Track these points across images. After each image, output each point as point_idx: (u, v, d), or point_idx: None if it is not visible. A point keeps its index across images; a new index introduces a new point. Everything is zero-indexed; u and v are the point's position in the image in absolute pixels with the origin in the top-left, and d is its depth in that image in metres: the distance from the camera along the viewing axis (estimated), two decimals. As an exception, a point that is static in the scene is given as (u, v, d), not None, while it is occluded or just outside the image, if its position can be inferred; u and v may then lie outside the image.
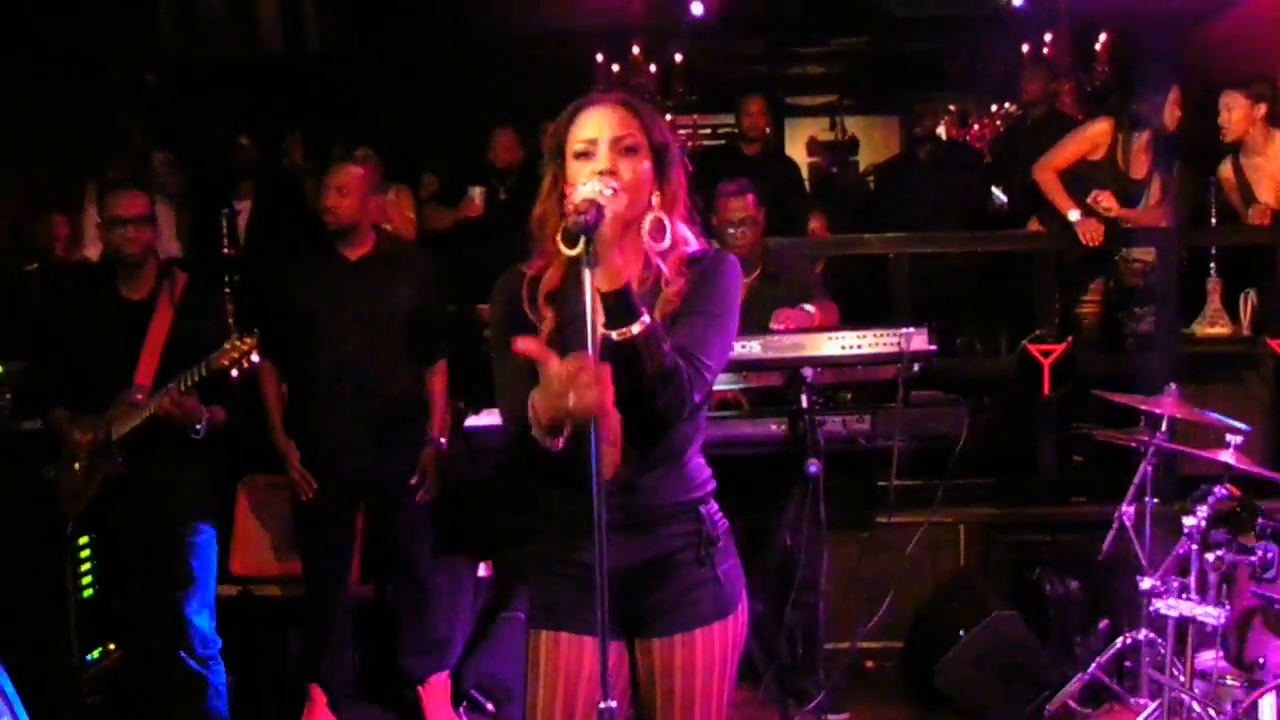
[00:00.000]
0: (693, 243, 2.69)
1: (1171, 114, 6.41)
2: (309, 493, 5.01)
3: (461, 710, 5.23)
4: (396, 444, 5.06)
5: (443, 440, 5.14)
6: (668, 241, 2.56)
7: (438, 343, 5.17)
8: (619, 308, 2.41)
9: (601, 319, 2.42)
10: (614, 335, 2.41)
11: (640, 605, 2.70)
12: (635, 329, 2.41)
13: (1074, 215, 6.38)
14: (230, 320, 5.61)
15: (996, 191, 7.86)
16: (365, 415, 4.98)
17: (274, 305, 5.17)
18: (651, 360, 2.45)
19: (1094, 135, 6.52)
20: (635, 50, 10.31)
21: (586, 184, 2.45)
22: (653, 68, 10.55)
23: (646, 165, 2.61)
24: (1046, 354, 6.05)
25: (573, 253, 2.40)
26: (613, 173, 2.53)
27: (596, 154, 2.58)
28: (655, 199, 2.60)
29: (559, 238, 2.44)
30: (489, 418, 4.80)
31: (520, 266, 2.72)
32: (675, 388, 2.51)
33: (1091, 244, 6.36)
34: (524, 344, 2.42)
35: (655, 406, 2.51)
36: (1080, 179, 6.49)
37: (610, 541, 2.40)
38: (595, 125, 2.60)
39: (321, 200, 5.02)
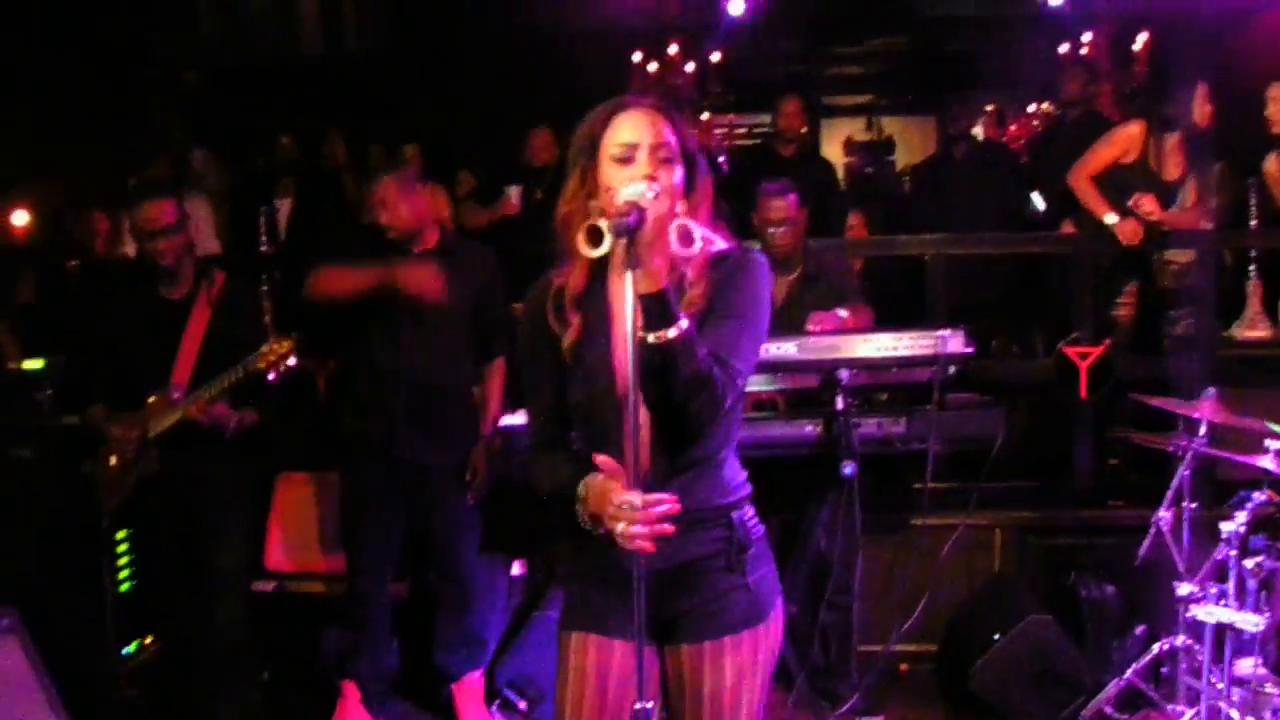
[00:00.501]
0: (718, 242, 2.65)
1: (1201, 110, 6.32)
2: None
3: (494, 709, 5.22)
4: (448, 438, 5.05)
5: (492, 437, 5.13)
6: (696, 248, 2.52)
7: (496, 340, 5.15)
8: (657, 310, 2.39)
9: (639, 321, 2.40)
10: (650, 338, 2.40)
11: (670, 611, 2.68)
12: (672, 333, 2.40)
13: (1111, 219, 6.32)
14: (268, 319, 5.61)
15: (1036, 198, 7.81)
16: (418, 407, 4.99)
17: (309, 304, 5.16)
18: (687, 365, 2.44)
19: (1125, 138, 6.45)
20: (673, 49, 10.31)
21: (629, 185, 2.45)
22: (690, 67, 10.56)
23: (680, 175, 2.60)
24: (1083, 357, 6.00)
25: (596, 253, 2.40)
26: (653, 179, 2.52)
27: (636, 159, 2.57)
28: (681, 206, 2.57)
29: (582, 238, 2.42)
30: (523, 417, 4.80)
31: (550, 275, 2.71)
32: (709, 393, 2.49)
33: (1131, 244, 6.30)
34: (602, 463, 2.51)
35: (688, 411, 2.50)
36: (1114, 183, 6.42)
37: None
38: (635, 130, 2.58)
39: (373, 217, 5.00)
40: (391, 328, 4.98)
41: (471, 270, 5.07)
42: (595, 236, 2.40)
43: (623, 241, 2.35)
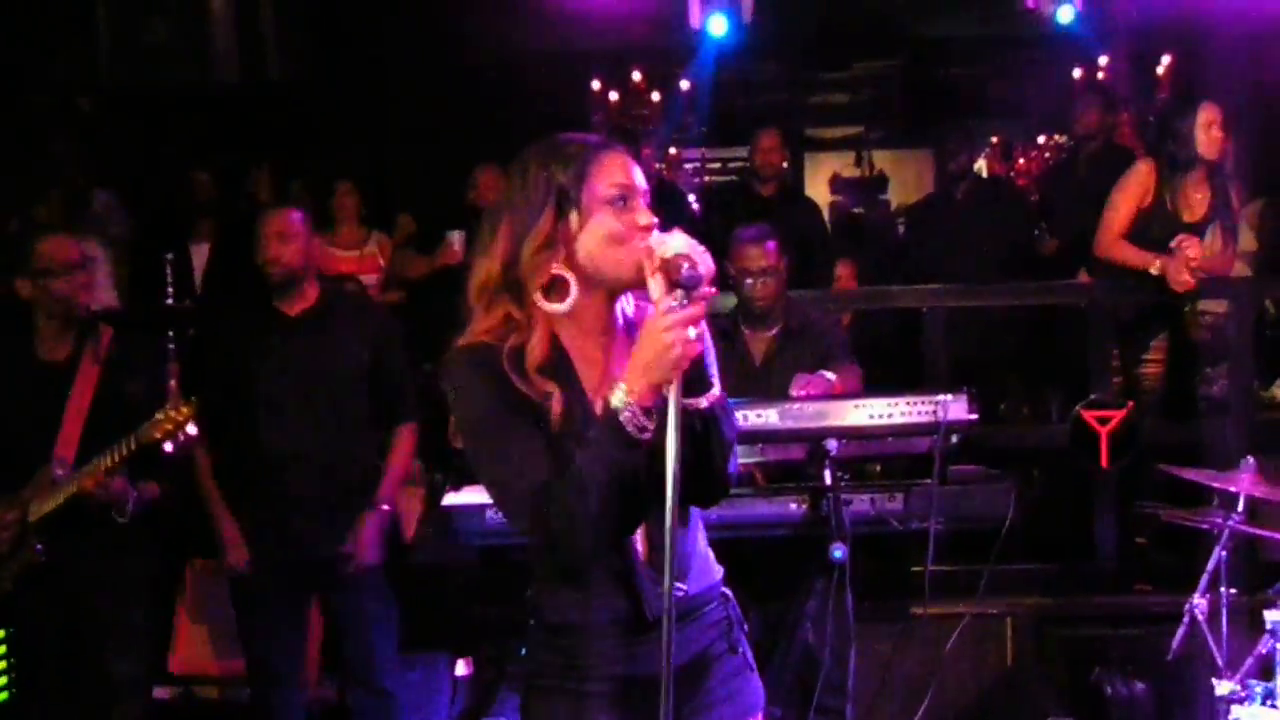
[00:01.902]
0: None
1: (1208, 139, 6.28)
2: (240, 561, 4.93)
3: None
4: (351, 522, 4.97)
5: (385, 507, 5.04)
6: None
7: (401, 404, 5.11)
8: (696, 373, 2.44)
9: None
10: (701, 403, 2.48)
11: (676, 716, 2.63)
12: (708, 399, 2.49)
13: (1157, 267, 6.21)
14: (173, 382, 5.54)
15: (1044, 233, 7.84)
16: (313, 490, 4.92)
17: (210, 368, 5.11)
18: (726, 428, 2.55)
19: (1137, 181, 6.39)
20: (636, 76, 10.34)
21: (674, 237, 2.44)
22: (656, 95, 10.59)
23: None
24: (1104, 421, 5.97)
25: (561, 309, 2.46)
26: (654, 225, 2.53)
27: (633, 206, 2.55)
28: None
29: (542, 295, 2.43)
30: (471, 495, 4.72)
31: (474, 340, 2.62)
32: (733, 458, 2.60)
33: (1186, 290, 6.20)
34: None
35: (717, 479, 2.57)
36: (1132, 233, 6.40)
37: (628, 647, 2.55)
38: (625, 172, 2.58)
39: (263, 251, 4.96)
40: (275, 401, 4.92)
41: (360, 327, 5.05)
42: (559, 290, 2.48)
43: (682, 296, 2.37)
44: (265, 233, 4.96)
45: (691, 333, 2.34)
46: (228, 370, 4.96)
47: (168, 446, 4.43)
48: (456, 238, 7.59)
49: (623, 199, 2.53)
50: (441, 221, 7.79)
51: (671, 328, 2.32)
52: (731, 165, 11.38)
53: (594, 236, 2.51)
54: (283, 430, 4.90)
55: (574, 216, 2.53)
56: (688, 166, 10.86)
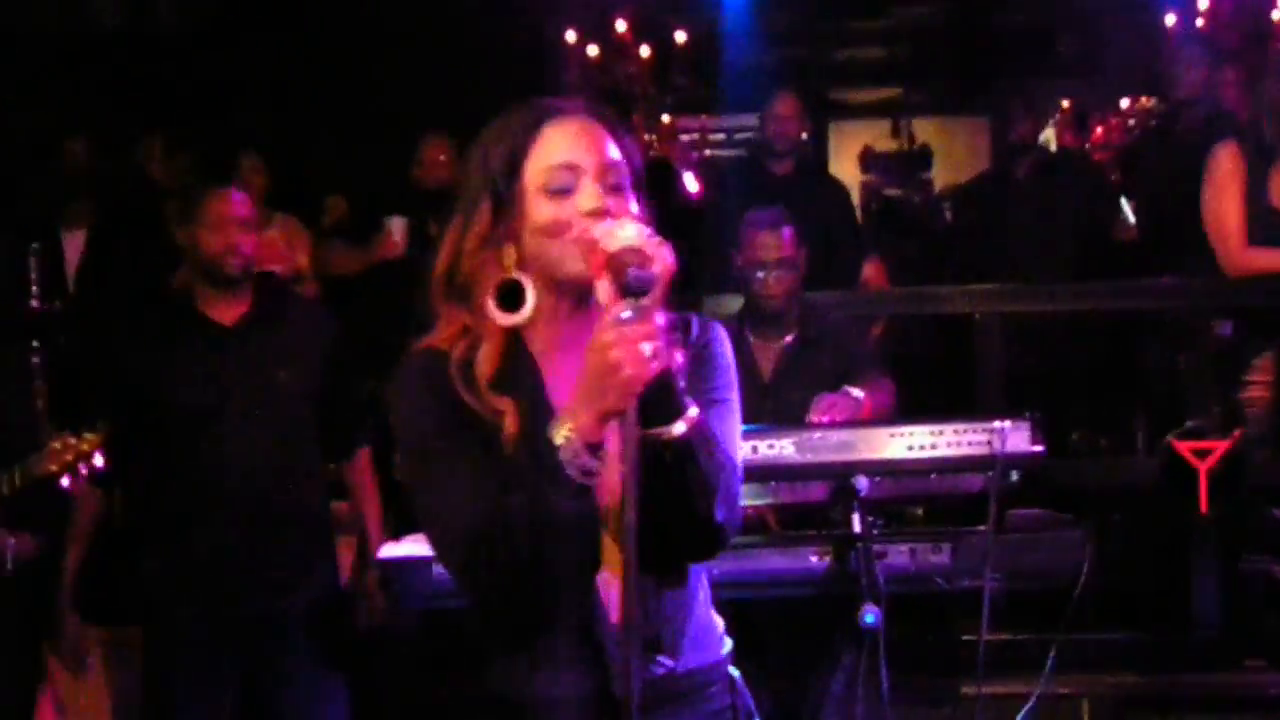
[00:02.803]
0: None
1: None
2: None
3: None
4: (299, 570, 5.04)
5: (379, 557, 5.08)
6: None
7: (355, 428, 5.21)
8: (661, 398, 2.39)
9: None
10: (669, 432, 2.42)
11: None
12: (680, 426, 2.43)
13: None
14: (40, 403, 5.53)
15: (1126, 208, 7.82)
16: (251, 535, 4.95)
17: (113, 385, 5.10)
18: (707, 459, 2.47)
19: (1233, 171, 6.45)
20: (621, 26, 10.34)
21: (622, 225, 2.41)
22: (645, 51, 10.59)
23: (633, 206, 2.59)
24: (1202, 455, 5.97)
25: (512, 320, 2.48)
26: (603, 211, 2.50)
27: (579, 188, 2.54)
28: None
29: (492, 301, 2.46)
30: (414, 546, 4.70)
31: (429, 345, 2.65)
32: (729, 495, 2.54)
33: None
34: None
35: (700, 526, 2.53)
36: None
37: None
38: (573, 147, 2.57)
39: (211, 243, 4.98)
40: (205, 428, 4.94)
41: (307, 337, 5.13)
42: (512, 297, 2.47)
43: (633, 303, 2.33)
44: (217, 216, 4.99)
45: (646, 349, 2.30)
46: (136, 390, 4.97)
47: (65, 482, 4.44)
48: (397, 226, 7.60)
49: (564, 187, 2.55)
50: (378, 205, 7.80)
51: (617, 344, 2.28)
52: (739, 137, 11.37)
53: (530, 229, 2.54)
54: (217, 461, 4.93)
55: (513, 207, 2.57)
56: (685, 138, 10.83)
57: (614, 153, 2.59)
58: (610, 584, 2.51)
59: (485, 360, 2.59)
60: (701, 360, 2.66)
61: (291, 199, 7.93)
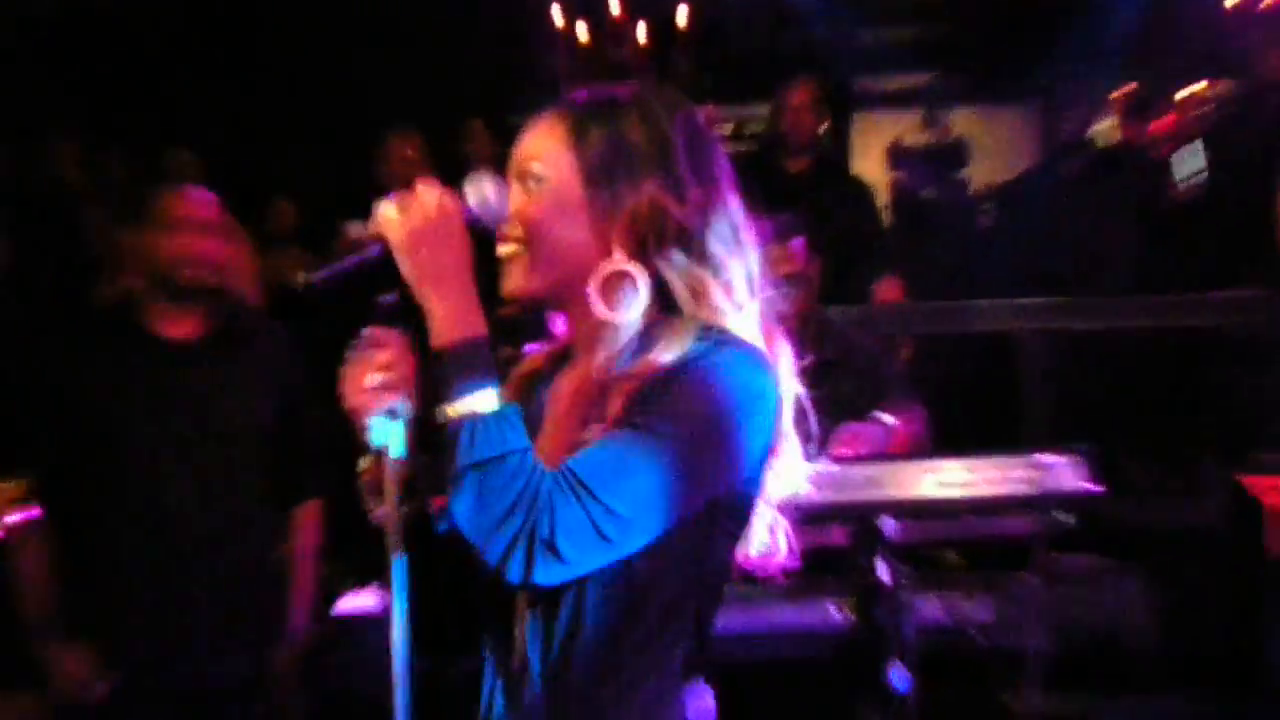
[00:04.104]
0: (728, 320, 2.68)
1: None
2: (94, 692, 4.95)
3: None
4: (253, 638, 5.03)
5: (306, 627, 5.13)
6: (625, 311, 2.59)
7: (307, 473, 5.19)
8: (446, 372, 2.49)
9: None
10: (446, 411, 2.47)
11: None
12: (461, 406, 2.47)
13: None
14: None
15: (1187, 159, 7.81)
16: (201, 591, 4.93)
17: (35, 417, 5.11)
18: (473, 449, 2.45)
19: None
20: (615, 7, 10.37)
21: (385, 201, 2.72)
22: (642, 32, 10.63)
23: (556, 202, 2.67)
24: (1276, 492, 6.03)
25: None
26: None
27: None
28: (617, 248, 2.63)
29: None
30: (375, 597, 4.76)
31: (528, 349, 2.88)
32: (502, 501, 2.44)
33: None
34: None
35: (489, 550, 2.47)
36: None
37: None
38: (515, 147, 2.78)
39: (167, 248, 4.95)
40: (149, 466, 4.90)
41: (264, 364, 5.13)
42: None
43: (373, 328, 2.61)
44: (173, 217, 4.97)
45: (375, 379, 2.52)
46: (71, 423, 4.90)
47: None
48: (358, 232, 7.60)
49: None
50: (336, 208, 7.82)
51: (343, 371, 2.54)
52: (749, 130, 11.43)
53: None
54: (160, 509, 4.90)
55: None
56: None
57: (541, 142, 2.71)
58: (537, 630, 2.63)
59: (531, 358, 2.88)
60: (666, 381, 2.57)
61: (231, 201, 7.95)
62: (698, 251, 2.68)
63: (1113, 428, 6.83)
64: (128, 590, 4.92)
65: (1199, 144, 7.73)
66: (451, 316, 2.48)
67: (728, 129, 12.11)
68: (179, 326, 5.00)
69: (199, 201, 5.03)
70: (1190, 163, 7.76)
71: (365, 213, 7.49)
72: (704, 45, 10.93)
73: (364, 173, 7.82)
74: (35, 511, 4.57)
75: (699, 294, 2.67)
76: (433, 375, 2.44)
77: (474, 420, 2.44)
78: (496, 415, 2.45)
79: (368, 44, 9.71)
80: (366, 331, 2.48)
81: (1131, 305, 7.24)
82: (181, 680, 4.93)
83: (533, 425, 2.63)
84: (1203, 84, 10.06)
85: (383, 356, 2.47)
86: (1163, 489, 7.65)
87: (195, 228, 4.96)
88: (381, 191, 7.79)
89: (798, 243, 5.48)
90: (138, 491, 4.89)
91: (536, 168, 2.68)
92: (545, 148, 2.69)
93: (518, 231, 2.65)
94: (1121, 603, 5.05)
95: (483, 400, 2.45)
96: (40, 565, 4.97)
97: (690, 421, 2.55)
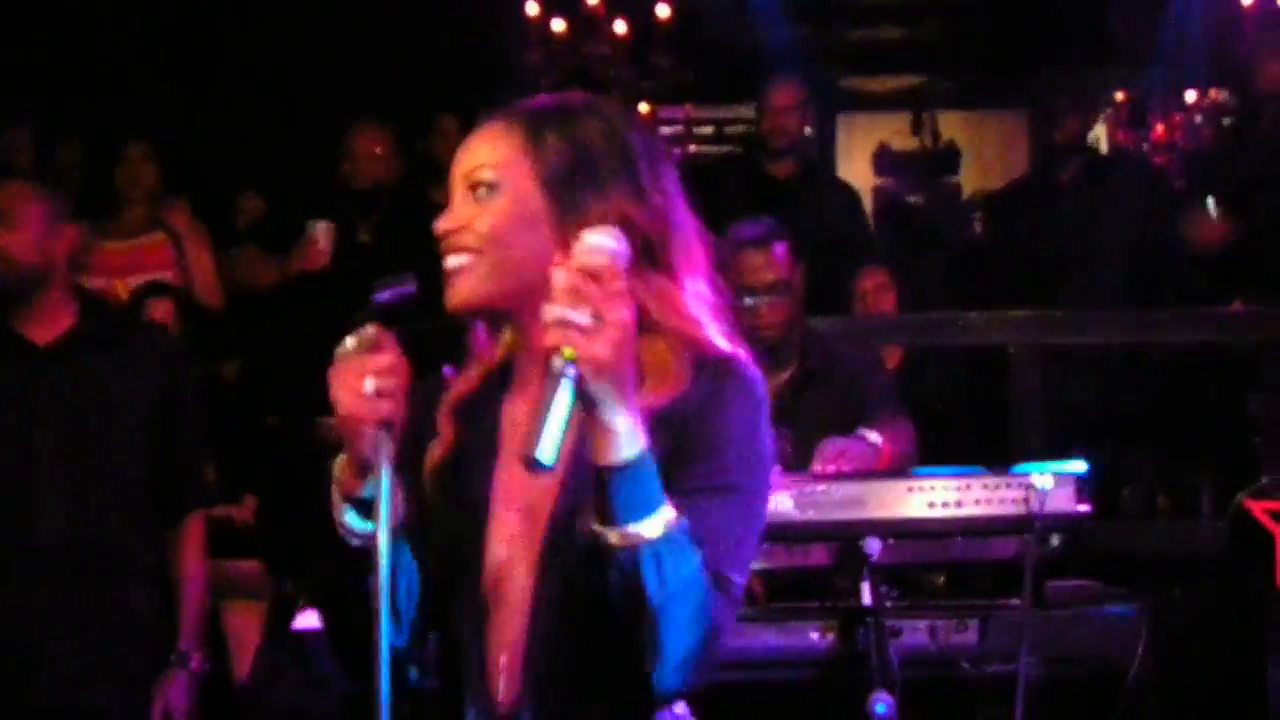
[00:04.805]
0: (706, 331, 2.64)
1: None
2: None
3: None
4: (117, 658, 4.96)
5: (193, 658, 5.03)
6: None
7: (191, 486, 5.16)
8: (624, 491, 2.34)
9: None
10: (609, 536, 2.34)
11: None
12: (649, 529, 2.34)
13: None
14: None
15: (1212, 206, 7.79)
16: (70, 612, 4.88)
17: None
18: (665, 580, 2.36)
19: None
20: (592, -1, 10.35)
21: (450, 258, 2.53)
22: (621, 27, 10.61)
23: (511, 210, 2.61)
24: (1279, 517, 6.01)
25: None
26: (448, 232, 2.59)
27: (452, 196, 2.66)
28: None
29: None
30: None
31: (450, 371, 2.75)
32: (686, 648, 2.41)
33: None
34: None
35: (632, 679, 2.44)
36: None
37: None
38: (459, 154, 2.68)
39: None
40: (14, 475, 4.89)
41: (141, 366, 5.07)
42: None
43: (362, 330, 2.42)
44: None
45: (368, 386, 2.37)
46: None
47: None
48: (322, 230, 7.57)
49: (451, 191, 2.65)
50: (300, 206, 7.79)
51: (334, 379, 2.39)
52: (730, 130, 11.41)
53: None
54: (25, 519, 4.87)
55: None
56: (666, 131, 10.85)
57: (491, 150, 2.63)
58: (508, 670, 2.55)
59: (464, 379, 2.71)
60: (709, 409, 2.55)
61: (194, 196, 7.91)
62: (663, 261, 2.64)
63: (1107, 447, 6.80)
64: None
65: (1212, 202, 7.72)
66: (634, 430, 2.33)
67: (708, 130, 12.10)
68: (36, 329, 4.96)
69: (16, 197, 5.00)
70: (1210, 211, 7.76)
71: (330, 209, 7.50)
72: (684, 42, 10.90)
73: (330, 168, 7.79)
74: None
75: (667, 304, 2.61)
76: (607, 483, 2.31)
77: (655, 547, 2.33)
78: (675, 534, 2.36)
79: (336, 34, 9.71)
80: (363, 332, 2.37)
81: (1127, 319, 7.22)
82: (47, 700, 4.87)
83: (484, 454, 2.63)
84: (1198, 92, 10.10)
85: (381, 360, 2.35)
86: (1159, 512, 7.64)
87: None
88: (345, 188, 7.77)
89: (780, 248, 5.45)
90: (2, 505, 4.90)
91: (488, 175, 2.61)
92: (498, 155, 2.62)
93: (468, 241, 2.56)
94: (1115, 631, 5.00)
95: (664, 517, 2.34)
96: None
97: (760, 463, 2.58)
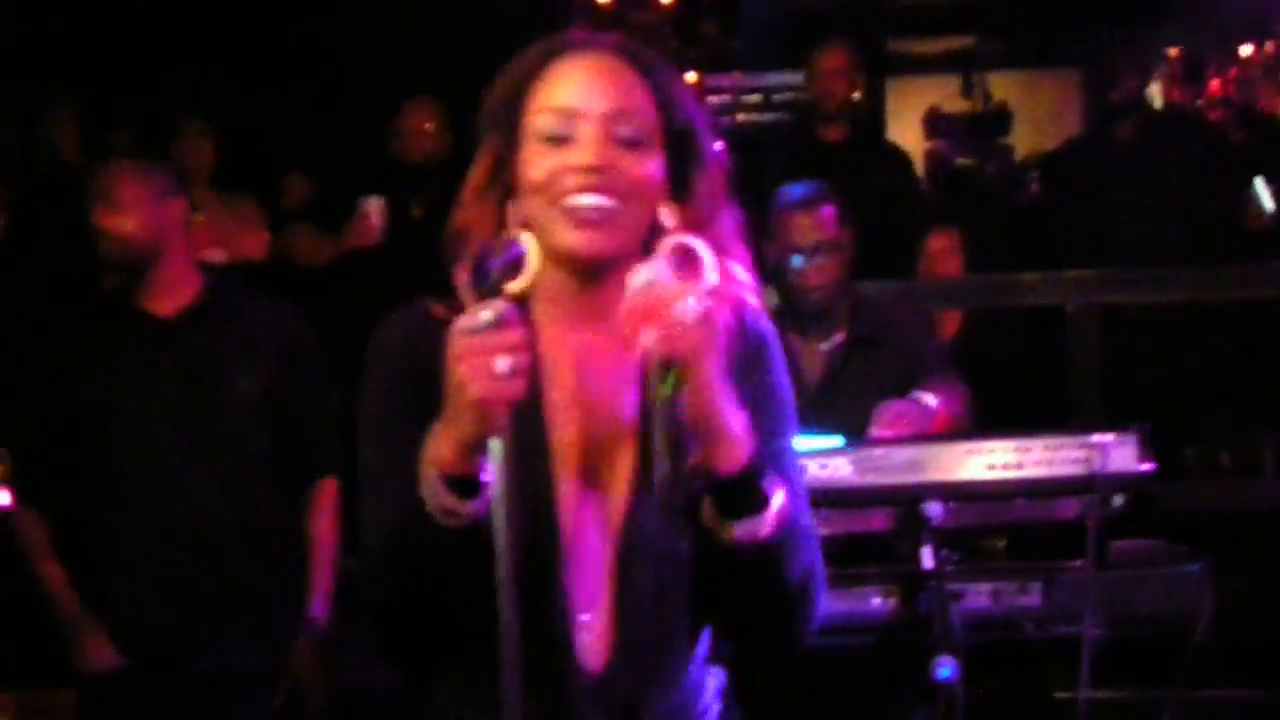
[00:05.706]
0: (746, 291, 2.60)
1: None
2: (107, 661, 4.95)
3: None
4: (256, 621, 5.04)
5: (324, 621, 5.13)
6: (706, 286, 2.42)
7: (320, 451, 5.19)
8: (741, 493, 2.38)
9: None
10: (734, 533, 2.38)
11: None
12: (764, 526, 2.39)
13: None
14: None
15: (1261, 189, 7.77)
16: (200, 576, 4.96)
17: (25, 397, 5.13)
18: (789, 570, 2.45)
19: None
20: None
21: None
22: (666, -4, 10.61)
23: (654, 166, 2.54)
24: (1346, 478, 6.00)
25: (510, 286, 2.34)
26: (598, 169, 2.46)
27: (578, 138, 2.49)
28: (667, 216, 2.52)
29: (466, 270, 2.38)
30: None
31: (428, 305, 2.61)
32: (814, 599, 2.57)
33: None
34: None
35: (776, 639, 2.61)
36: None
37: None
38: (578, 89, 2.53)
39: (92, 220, 5.03)
40: (141, 444, 4.96)
41: (264, 339, 5.14)
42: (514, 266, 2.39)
43: (493, 303, 2.28)
44: (92, 195, 5.04)
45: (501, 364, 2.22)
46: (59, 399, 4.98)
47: None
48: (374, 207, 7.59)
49: (562, 134, 2.50)
50: (351, 184, 7.81)
51: (463, 357, 2.23)
52: (778, 98, 11.38)
53: (524, 183, 2.52)
54: (153, 486, 4.95)
55: (513, 155, 2.57)
56: (715, 100, 10.83)
57: (633, 99, 2.53)
58: (592, 629, 2.52)
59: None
60: (755, 375, 2.58)
61: (245, 176, 7.93)
62: (710, 221, 2.60)
63: (1169, 407, 6.78)
64: (118, 580, 5.00)
65: (1262, 184, 7.68)
66: (746, 430, 2.35)
67: (756, 99, 12.05)
68: (160, 302, 5.05)
69: (102, 179, 5.10)
70: (1261, 198, 7.70)
71: (380, 187, 7.52)
72: (731, 9, 10.89)
73: (380, 145, 7.81)
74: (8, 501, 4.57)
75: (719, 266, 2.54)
76: (725, 488, 2.35)
77: (779, 536, 2.40)
78: (790, 514, 2.42)
79: (383, 11, 9.71)
80: (495, 308, 2.22)
81: (1187, 277, 7.18)
82: (193, 665, 4.97)
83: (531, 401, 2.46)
84: (1251, 47, 10.04)
85: (512, 336, 2.21)
86: (1222, 471, 7.60)
87: (98, 206, 5.03)
88: (397, 164, 7.81)
89: (828, 209, 5.44)
90: (131, 469, 4.98)
91: (634, 126, 2.51)
92: (638, 106, 2.53)
93: (620, 185, 2.45)
94: (1179, 591, 4.98)
95: (779, 501, 2.39)
96: (43, 540, 5.04)
97: (792, 414, 2.68)
